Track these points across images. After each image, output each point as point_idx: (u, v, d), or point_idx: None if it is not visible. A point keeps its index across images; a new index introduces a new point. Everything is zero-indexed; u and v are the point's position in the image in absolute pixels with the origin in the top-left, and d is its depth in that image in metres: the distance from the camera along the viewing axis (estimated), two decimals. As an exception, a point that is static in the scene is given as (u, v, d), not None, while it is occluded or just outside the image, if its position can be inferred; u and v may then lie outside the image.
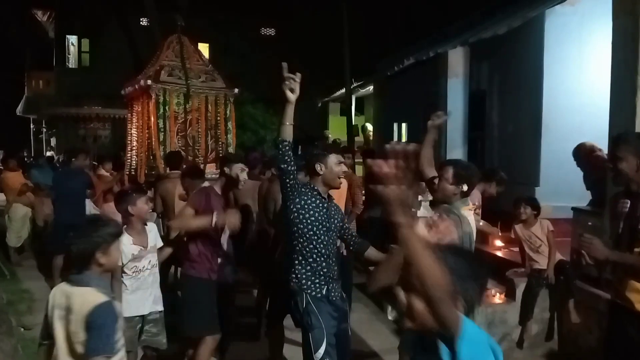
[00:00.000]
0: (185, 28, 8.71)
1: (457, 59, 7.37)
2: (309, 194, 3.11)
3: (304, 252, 3.10)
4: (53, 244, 6.67)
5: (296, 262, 3.12)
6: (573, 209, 4.92)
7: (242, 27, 20.59)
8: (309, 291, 3.07)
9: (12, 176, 7.69)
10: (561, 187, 5.88)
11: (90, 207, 6.72)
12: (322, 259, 3.11)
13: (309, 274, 3.09)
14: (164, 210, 5.92)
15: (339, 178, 3.18)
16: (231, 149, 8.57)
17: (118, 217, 7.80)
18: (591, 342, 4.34)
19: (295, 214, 3.08)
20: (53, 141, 21.17)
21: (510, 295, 4.91)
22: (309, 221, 3.07)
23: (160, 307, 3.53)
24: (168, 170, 6.57)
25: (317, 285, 3.09)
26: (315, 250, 3.08)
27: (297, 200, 3.07)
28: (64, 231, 6.97)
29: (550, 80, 6.68)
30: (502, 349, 4.79)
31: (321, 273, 3.10)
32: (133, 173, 8.59)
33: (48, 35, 22.66)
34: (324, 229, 3.09)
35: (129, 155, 8.92)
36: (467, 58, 7.42)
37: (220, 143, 8.54)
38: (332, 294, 3.15)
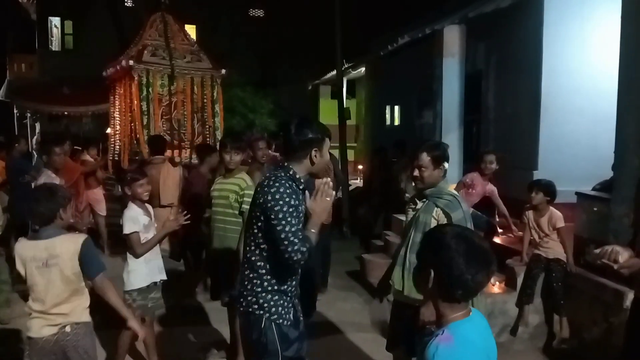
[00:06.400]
0: (170, 7, 8.33)
1: (453, 38, 7.03)
2: None
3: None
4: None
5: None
6: (577, 193, 4.70)
7: (229, 8, 20.05)
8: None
9: (-5, 163, 7.28)
10: (560, 171, 5.65)
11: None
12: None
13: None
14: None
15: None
16: (219, 133, 8.24)
17: (101, 204, 7.43)
18: (595, 334, 4.14)
19: None
20: (38, 127, 20.63)
21: (510, 284, 4.69)
22: None
23: (164, 276, 3.78)
24: (151, 156, 6.29)
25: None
26: None
27: None
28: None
29: (549, 59, 6.41)
30: (502, 341, 4.52)
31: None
32: (117, 158, 8.27)
33: (30, 17, 21.99)
34: None
35: (112, 140, 8.59)
36: (463, 37, 7.09)
37: (207, 127, 8.21)
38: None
